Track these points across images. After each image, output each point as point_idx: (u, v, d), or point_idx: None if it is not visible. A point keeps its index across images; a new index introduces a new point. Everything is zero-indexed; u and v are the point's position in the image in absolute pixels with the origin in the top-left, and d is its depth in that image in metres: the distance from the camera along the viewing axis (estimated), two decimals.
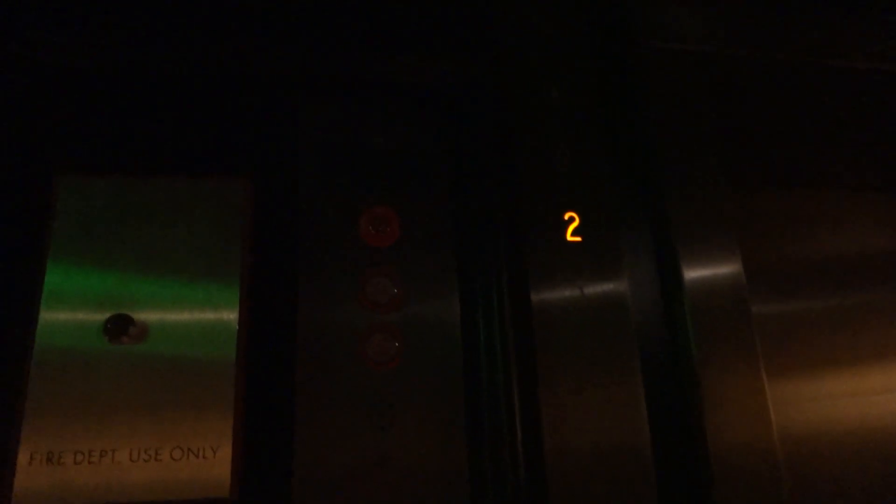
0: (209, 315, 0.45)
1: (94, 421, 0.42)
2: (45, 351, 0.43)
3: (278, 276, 0.48)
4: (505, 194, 0.52)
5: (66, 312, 0.44)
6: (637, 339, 0.49)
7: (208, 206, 0.47)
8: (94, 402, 0.42)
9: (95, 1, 0.49)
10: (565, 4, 0.58)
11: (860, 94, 0.64)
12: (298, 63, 0.52)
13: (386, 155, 0.52)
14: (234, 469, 0.42)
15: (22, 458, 0.40)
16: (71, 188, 0.46)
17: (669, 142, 0.56)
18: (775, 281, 0.56)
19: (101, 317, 0.44)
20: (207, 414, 0.43)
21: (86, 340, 0.43)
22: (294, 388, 0.45)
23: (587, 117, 0.55)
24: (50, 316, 0.44)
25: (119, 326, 0.43)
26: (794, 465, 0.50)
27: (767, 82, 0.62)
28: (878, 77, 0.65)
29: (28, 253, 0.45)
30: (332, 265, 0.49)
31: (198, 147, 0.50)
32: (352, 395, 0.46)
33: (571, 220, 0.51)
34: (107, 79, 0.50)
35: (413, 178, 0.52)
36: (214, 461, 0.42)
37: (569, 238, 0.50)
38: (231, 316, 0.45)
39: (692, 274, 0.52)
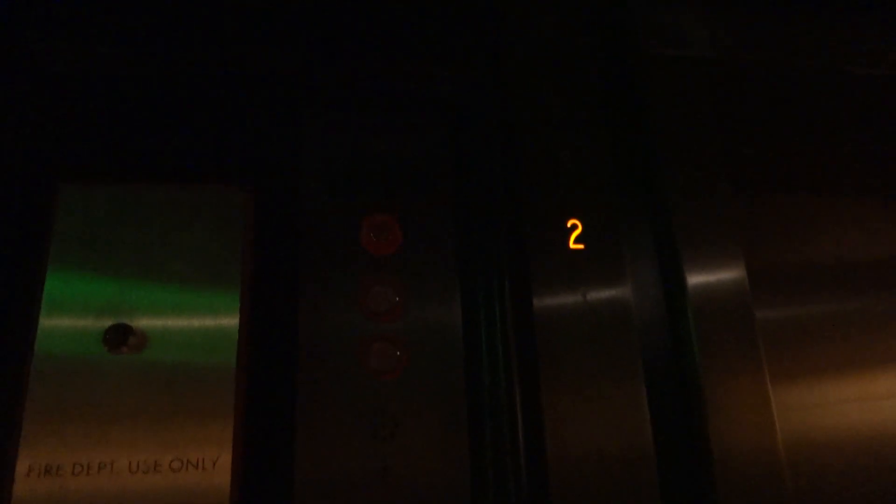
0: (209, 324, 0.45)
1: (94, 431, 0.42)
2: (45, 360, 0.43)
3: (279, 284, 0.48)
4: (507, 202, 0.51)
5: (66, 321, 0.44)
6: (640, 345, 0.49)
7: (209, 214, 0.47)
8: (93, 411, 0.42)
9: (98, 9, 0.49)
10: (567, 10, 0.58)
11: (864, 98, 0.64)
12: (300, 70, 0.52)
13: (387, 162, 0.51)
14: (234, 480, 0.42)
15: (20, 469, 0.40)
16: (73, 196, 0.46)
17: (672, 147, 0.56)
18: (780, 285, 0.56)
19: (100, 326, 0.43)
20: (207, 424, 0.43)
21: (85, 349, 0.43)
22: (295, 398, 0.45)
23: (590, 123, 0.55)
24: (49, 324, 0.43)
25: (118, 336, 0.42)
26: (799, 471, 0.50)
27: (770, 87, 0.62)
28: (882, 82, 0.65)
29: (28, 261, 0.45)
30: (333, 273, 0.48)
31: (199, 155, 0.49)
32: (353, 405, 0.46)
33: (574, 227, 0.51)
34: (109, 86, 0.50)
35: (414, 186, 0.51)
36: (214, 472, 0.42)
37: (571, 246, 0.50)
38: (231, 325, 0.45)
39: (695, 279, 0.52)
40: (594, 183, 0.53)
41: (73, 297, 0.44)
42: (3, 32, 0.46)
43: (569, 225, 0.51)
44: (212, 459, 0.42)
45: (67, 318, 0.44)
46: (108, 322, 0.43)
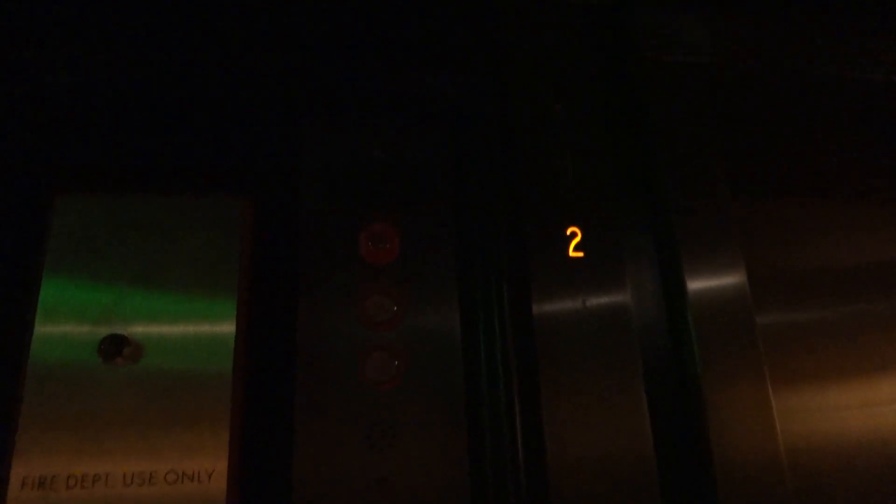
0: (206, 335, 0.44)
1: (88, 442, 0.41)
2: (40, 370, 0.42)
3: (277, 293, 0.47)
4: (506, 209, 0.51)
5: (61, 331, 0.43)
6: (641, 352, 0.49)
7: (207, 223, 0.47)
8: (87, 423, 0.42)
9: (94, 16, 0.48)
10: (568, 15, 0.58)
11: (864, 102, 0.64)
12: (298, 76, 0.52)
13: (386, 170, 0.51)
14: (230, 492, 0.41)
15: (14, 482, 0.40)
16: (69, 206, 0.46)
17: (672, 152, 0.56)
18: (781, 290, 0.56)
19: (96, 336, 0.43)
20: (203, 434, 0.42)
21: (81, 359, 0.43)
22: (292, 408, 0.45)
23: (590, 130, 0.55)
24: (45, 334, 0.43)
25: (113, 347, 0.42)
26: (800, 476, 0.49)
27: (770, 91, 0.62)
28: (882, 86, 0.64)
29: (24, 272, 0.44)
30: (332, 282, 0.48)
31: (198, 163, 0.49)
32: (351, 415, 0.45)
33: (574, 235, 0.51)
34: (106, 95, 0.50)
35: (414, 193, 0.51)
36: (210, 484, 0.41)
37: (571, 254, 0.50)
38: (228, 334, 0.45)
39: (695, 284, 0.52)
40: (594, 190, 0.53)
41: (68, 307, 0.44)
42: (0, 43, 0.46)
43: (568, 233, 0.51)
44: (207, 472, 0.41)
45: (63, 328, 0.43)
46: (103, 332, 0.43)
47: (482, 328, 0.50)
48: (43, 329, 0.43)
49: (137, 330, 0.44)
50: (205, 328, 0.45)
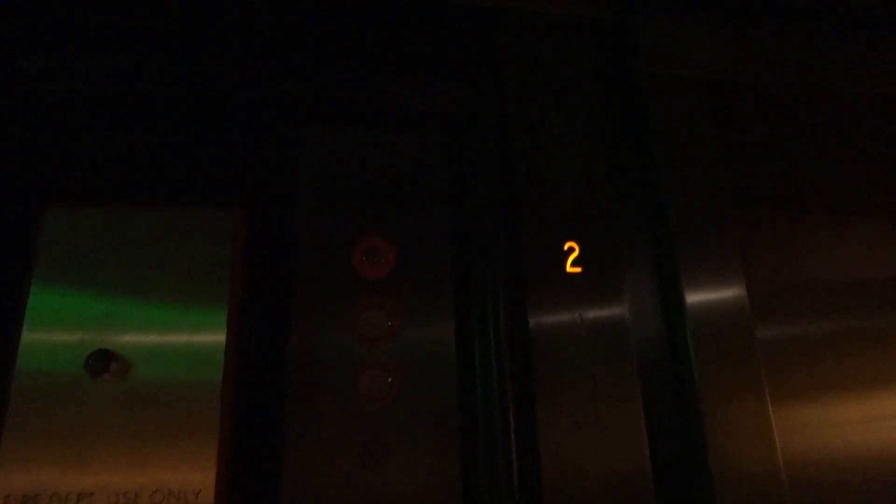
0: (195, 350, 0.44)
1: (73, 459, 0.41)
2: (25, 386, 0.42)
3: (270, 307, 0.47)
4: (504, 223, 0.51)
5: (48, 345, 0.43)
6: (638, 367, 0.49)
7: (199, 235, 0.46)
8: (73, 440, 0.41)
9: (86, 26, 0.48)
10: (567, 29, 0.58)
11: (867, 117, 0.64)
12: (294, 87, 0.51)
13: (383, 182, 0.51)
14: None
15: None
16: (57, 219, 0.45)
17: (673, 166, 0.56)
18: (781, 304, 0.55)
19: (83, 350, 0.42)
20: (191, 452, 0.42)
21: (67, 374, 0.42)
22: (283, 426, 0.44)
23: (589, 143, 0.54)
24: (31, 349, 0.42)
25: (100, 363, 0.41)
26: (800, 492, 0.49)
27: (771, 105, 0.62)
28: (885, 101, 0.64)
29: (10, 285, 0.44)
30: (326, 297, 0.47)
31: (191, 176, 0.49)
32: (343, 432, 0.45)
33: (571, 250, 0.50)
34: (98, 105, 0.49)
35: (410, 206, 0.51)
36: (196, 503, 0.41)
37: (568, 269, 0.50)
38: (219, 351, 0.44)
39: (694, 298, 0.52)
40: (592, 204, 0.52)
41: (56, 320, 0.43)
42: None
43: (566, 247, 0.50)
44: (194, 490, 0.41)
45: (50, 341, 0.43)
46: (91, 345, 0.42)
47: (478, 344, 0.49)
48: (30, 343, 0.42)
49: (126, 342, 0.43)
50: (195, 344, 0.44)
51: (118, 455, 0.41)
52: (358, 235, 0.49)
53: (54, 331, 0.43)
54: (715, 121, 0.58)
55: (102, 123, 0.49)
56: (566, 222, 0.51)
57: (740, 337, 0.51)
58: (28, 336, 0.43)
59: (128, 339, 0.43)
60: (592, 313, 0.49)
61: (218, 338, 0.44)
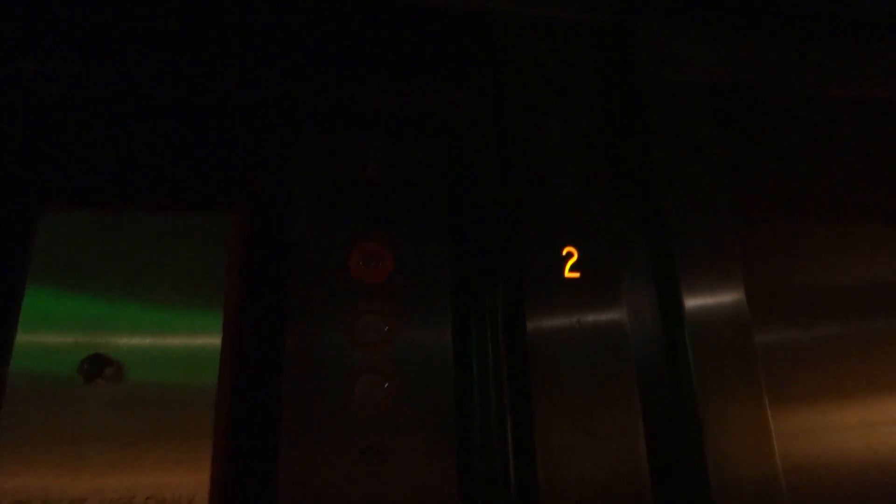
0: (190, 353, 0.43)
1: (66, 465, 0.40)
2: (18, 389, 0.41)
3: (267, 312, 0.46)
4: (502, 228, 0.51)
5: (43, 348, 0.42)
6: (636, 372, 0.49)
7: (195, 240, 0.46)
8: (66, 444, 0.40)
9: (84, 30, 0.48)
10: (566, 33, 0.58)
11: (867, 120, 0.64)
12: (290, 92, 0.51)
13: (379, 187, 0.50)
14: None
15: None
16: (55, 221, 0.45)
17: (672, 170, 0.56)
18: (780, 309, 0.55)
19: (78, 353, 0.42)
20: (186, 457, 0.41)
21: (61, 377, 0.42)
22: (279, 431, 0.43)
23: (588, 147, 0.54)
24: (25, 351, 0.42)
25: (94, 367, 0.41)
26: (799, 497, 0.49)
27: (772, 109, 0.62)
28: (884, 105, 0.64)
29: (5, 287, 0.43)
30: (322, 301, 0.47)
31: (188, 180, 0.48)
32: (340, 438, 0.44)
33: (570, 255, 0.50)
34: (95, 109, 0.49)
35: (407, 211, 0.50)
36: None
37: (567, 274, 0.49)
38: (214, 355, 0.43)
39: (693, 302, 0.52)
40: (591, 208, 0.52)
41: (50, 323, 0.43)
42: None
43: (564, 253, 0.50)
44: (189, 496, 0.40)
45: (44, 344, 0.42)
46: (86, 348, 0.42)
47: (475, 349, 0.49)
48: (24, 345, 0.42)
49: (121, 345, 0.43)
50: (190, 349, 0.43)
51: (112, 459, 0.41)
52: (355, 239, 0.48)
53: (49, 333, 0.42)
54: (714, 124, 0.58)
55: (100, 126, 0.48)
56: (565, 226, 0.51)
57: (739, 342, 0.51)
58: (22, 338, 0.42)
59: (123, 342, 0.43)
60: (591, 318, 0.49)
61: (214, 342, 0.44)
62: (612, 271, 0.51)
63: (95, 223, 0.45)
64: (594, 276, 0.50)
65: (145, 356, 0.43)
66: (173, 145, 0.49)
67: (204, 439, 0.42)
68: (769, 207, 0.59)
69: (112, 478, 0.40)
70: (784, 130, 0.62)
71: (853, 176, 0.62)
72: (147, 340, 0.43)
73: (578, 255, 0.50)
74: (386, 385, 0.45)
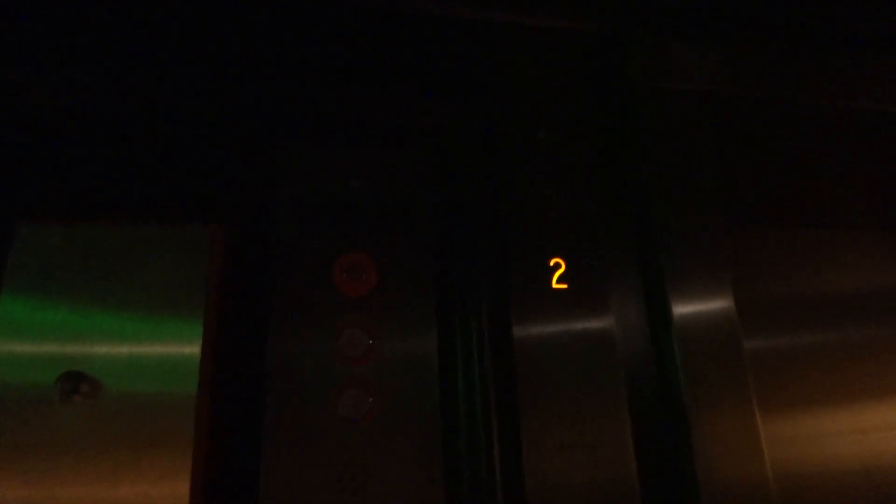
0: (169, 367, 0.43)
1: (43, 479, 0.39)
2: None
3: (248, 326, 0.46)
4: (488, 239, 0.50)
5: (17, 360, 0.41)
6: (627, 382, 0.49)
7: (174, 253, 0.45)
8: (43, 458, 0.40)
9: (60, 38, 0.47)
10: (555, 43, 0.57)
11: (859, 133, 0.64)
12: (275, 103, 0.51)
13: (364, 199, 0.50)
14: None
15: None
16: (32, 235, 0.44)
17: (662, 179, 0.56)
18: (771, 317, 0.55)
19: (54, 365, 0.41)
20: (164, 475, 0.40)
21: (37, 389, 0.41)
22: (260, 449, 0.43)
23: (576, 158, 0.54)
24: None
25: (70, 384, 0.40)
26: None
27: (764, 121, 0.62)
28: (879, 116, 0.64)
29: None
30: (305, 315, 0.46)
31: (168, 192, 0.48)
32: (322, 454, 0.44)
33: (557, 266, 0.50)
34: (73, 120, 0.48)
35: (392, 224, 0.50)
36: None
37: (554, 286, 0.49)
38: (194, 368, 0.43)
39: (681, 310, 0.51)
40: (580, 220, 0.52)
41: (26, 335, 0.42)
42: None
43: (552, 263, 0.50)
44: None
45: (20, 356, 0.42)
46: (62, 361, 0.41)
47: (461, 363, 0.48)
48: None
49: (98, 356, 0.42)
50: (168, 358, 0.43)
51: (90, 472, 0.40)
52: (339, 252, 0.48)
53: (25, 345, 0.42)
54: (705, 134, 0.58)
55: (80, 137, 0.48)
56: (553, 238, 0.51)
57: (728, 350, 0.51)
58: None
59: (100, 354, 0.42)
60: (579, 329, 0.49)
61: (194, 355, 0.43)
62: (600, 282, 0.50)
63: (74, 236, 0.44)
64: (582, 286, 0.50)
65: (123, 368, 0.42)
66: (154, 157, 0.49)
67: (184, 453, 0.41)
68: (760, 216, 0.59)
69: (90, 490, 0.40)
70: (776, 141, 0.62)
71: (845, 186, 0.62)
72: (125, 353, 0.43)
73: (566, 265, 0.50)
74: (370, 400, 0.45)
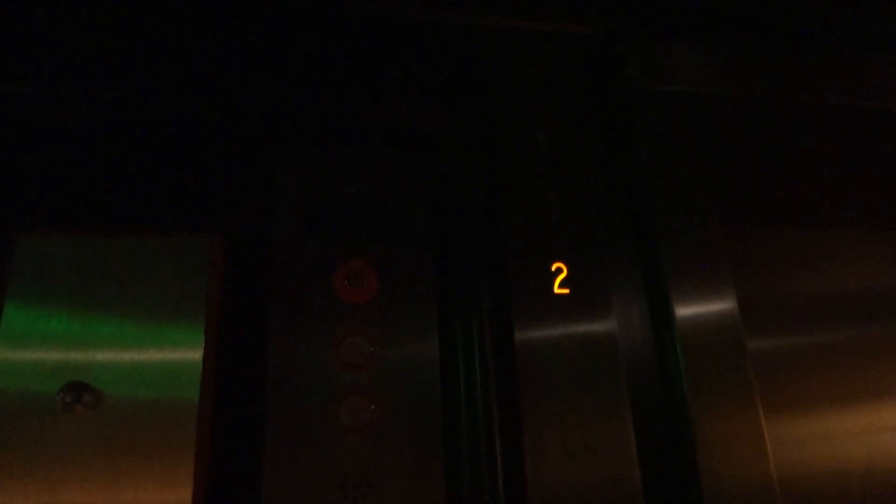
0: (171, 376, 0.43)
1: (45, 487, 0.39)
2: None
3: (249, 334, 0.46)
4: (489, 245, 0.50)
5: (20, 370, 0.42)
6: (627, 386, 0.48)
7: (175, 262, 0.45)
8: (45, 466, 0.40)
9: (58, 50, 0.47)
10: (552, 47, 0.57)
11: (857, 132, 0.64)
12: (274, 112, 0.50)
13: (364, 206, 0.50)
14: None
15: None
16: (32, 247, 0.44)
17: (662, 181, 0.55)
18: (774, 317, 0.55)
19: (57, 375, 0.41)
20: (166, 484, 0.40)
21: (40, 398, 0.41)
22: (261, 456, 0.43)
23: (576, 162, 0.54)
24: (2, 373, 0.41)
25: (72, 395, 0.40)
26: None
27: (762, 121, 0.62)
28: (877, 115, 0.64)
29: None
30: (305, 323, 0.46)
31: (168, 202, 0.48)
32: (323, 461, 0.43)
33: (559, 271, 0.49)
34: (74, 133, 0.48)
35: (392, 231, 0.50)
36: None
37: (556, 291, 0.49)
38: (195, 377, 0.43)
39: (684, 312, 0.51)
40: (580, 224, 0.52)
41: (29, 345, 0.42)
42: None
43: (553, 269, 0.49)
44: None
45: (22, 366, 0.42)
46: (65, 370, 0.41)
47: (463, 370, 0.48)
48: (1, 366, 0.41)
49: (101, 361, 0.42)
50: (170, 368, 0.43)
51: (92, 479, 0.40)
52: (340, 259, 0.48)
53: (28, 355, 0.42)
54: (704, 136, 0.58)
55: (79, 149, 0.48)
56: (554, 242, 0.50)
57: (731, 351, 0.50)
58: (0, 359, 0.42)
59: (103, 366, 0.42)
60: (581, 334, 0.48)
61: (195, 363, 0.43)
62: (602, 286, 0.50)
63: (75, 246, 0.44)
64: (584, 291, 0.49)
65: (124, 377, 0.42)
66: (154, 166, 0.48)
67: (186, 459, 0.41)
68: (760, 216, 0.59)
69: (92, 497, 0.40)
70: (775, 141, 0.62)
71: (844, 185, 0.62)
72: (126, 361, 0.43)
73: (568, 270, 0.50)
74: (372, 408, 0.44)
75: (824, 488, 0.51)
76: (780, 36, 0.63)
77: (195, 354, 0.43)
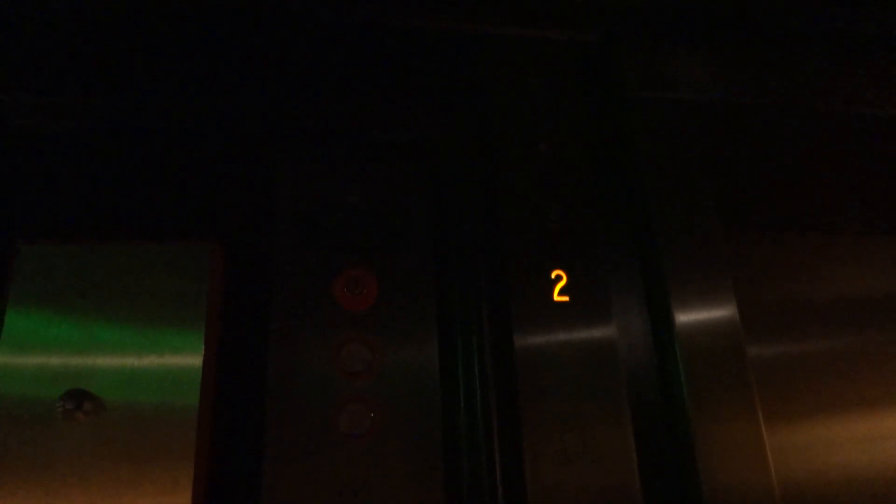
0: (170, 383, 0.43)
1: (44, 495, 0.40)
2: None
3: (249, 342, 0.46)
4: (488, 253, 0.50)
5: (20, 377, 0.42)
6: (627, 394, 0.48)
7: (175, 271, 0.45)
8: (44, 473, 0.40)
9: (59, 61, 0.47)
10: (551, 54, 0.57)
11: (857, 138, 0.64)
12: (272, 119, 0.51)
13: (363, 213, 0.50)
14: None
15: None
16: (34, 256, 0.44)
17: (662, 188, 0.55)
18: (775, 324, 0.55)
19: (57, 382, 0.42)
20: (165, 491, 0.40)
21: (40, 405, 0.41)
22: (261, 463, 0.43)
23: (576, 169, 0.54)
24: (2, 380, 0.42)
25: (73, 402, 0.40)
26: None
27: (762, 127, 0.62)
28: (876, 120, 0.64)
29: None
30: (305, 330, 0.46)
31: (167, 210, 0.48)
32: (323, 469, 0.43)
33: (559, 278, 0.49)
34: (72, 142, 0.48)
35: (392, 238, 0.50)
36: None
37: (556, 298, 0.49)
38: (195, 385, 0.43)
39: (684, 318, 0.51)
40: (580, 230, 0.52)
41: (29, 356, 0.42)
42: None
43: (553, 276, 0.49)
44: None
45: (22, 373, 0.42)
46: (65, 378, 0.42)
47: (463, 377, 0.48)
48: (1, 373, 0.41)
49: (101, 368, 0.42)
50: (170, 375, 0.43)
51: (90, 486, 0.40)
52: (339, 267, 0.48)
53: (30, 361, 0.42)
54: (704, 142, 0.58)
55: (79, 158, 0.48)
56: (553, 250, 0.50)
57: (732, 357, 0.50)
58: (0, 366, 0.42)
59: (103, 372, 0.42)
60: (581, 342, 0.48)
61: (195, 370, 0.43)
62: (602, 294, 0.50)
63: (76, 255, 0.44)
64: (584, 298, 0.49)
65: (125, 384, 0.42)
66: (153, 174, 0.49)
67: (185, 466, 0.41)
68: (761, 223, 0.58)
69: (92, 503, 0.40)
70: (774, 146, 0.62)
71: (844, 190, 0.62)
72: (127, 368, 0.43)
73: (568, 278, 0.50)
74: (372, 415, 0.44)
75: (826, 496, 0.51)
76: (779, 42, 0.63)
77: (195, 361, 0.44)
